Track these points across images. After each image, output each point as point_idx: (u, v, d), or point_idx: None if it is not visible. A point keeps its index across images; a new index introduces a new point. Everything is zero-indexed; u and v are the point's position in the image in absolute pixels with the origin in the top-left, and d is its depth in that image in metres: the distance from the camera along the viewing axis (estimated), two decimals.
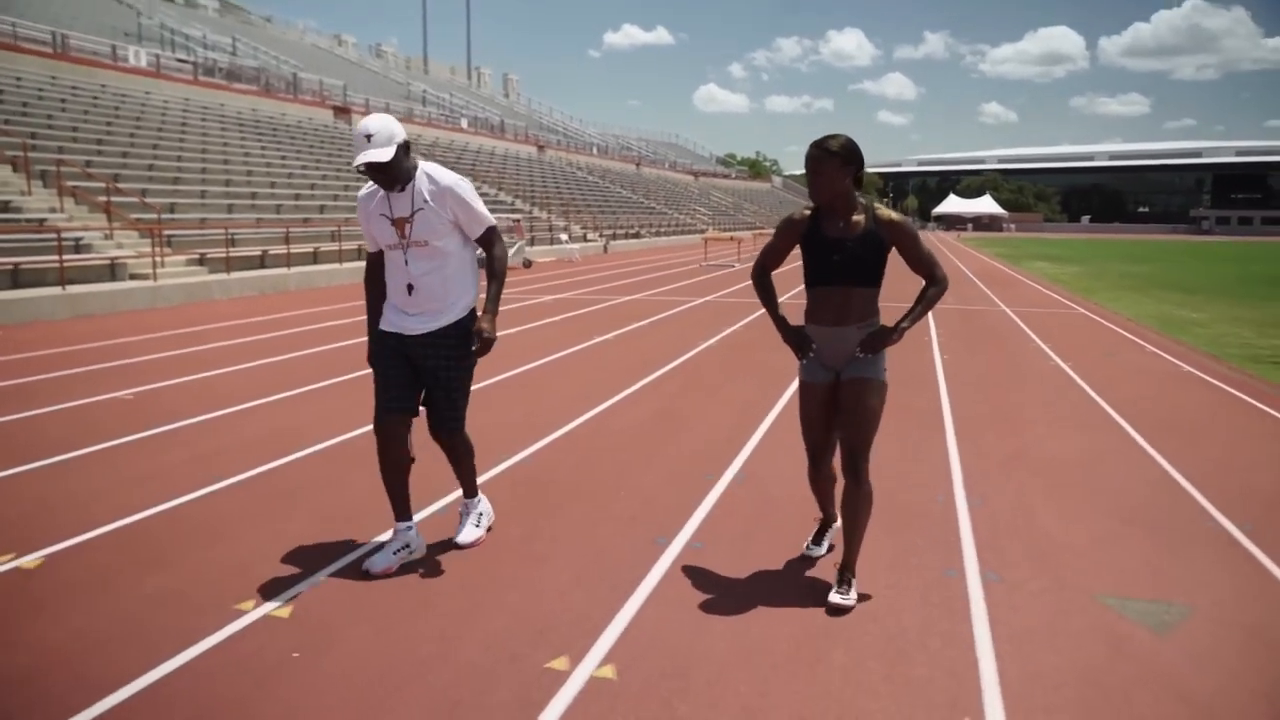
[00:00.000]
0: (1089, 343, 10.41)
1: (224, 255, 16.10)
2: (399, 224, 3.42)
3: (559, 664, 2.76)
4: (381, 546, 3.60)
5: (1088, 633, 3.03)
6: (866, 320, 3.22)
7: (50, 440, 5.34)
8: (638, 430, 5.82)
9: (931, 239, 43.41)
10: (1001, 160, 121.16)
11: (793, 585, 3.42)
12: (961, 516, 4.19)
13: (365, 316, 3.69)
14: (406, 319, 3.49)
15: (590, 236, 33.75)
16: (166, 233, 15.68)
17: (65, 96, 22.02)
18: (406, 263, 3.45)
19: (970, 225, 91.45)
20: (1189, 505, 4.43)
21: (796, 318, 3.41)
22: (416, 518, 3.74)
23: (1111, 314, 13.78)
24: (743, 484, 4.66)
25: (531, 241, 27.12)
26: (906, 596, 3.30)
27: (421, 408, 3.62)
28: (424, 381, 3.55)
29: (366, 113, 32.00)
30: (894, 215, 3.18)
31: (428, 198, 3.41)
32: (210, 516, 4.08)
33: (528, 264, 23.46)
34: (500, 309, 3.64)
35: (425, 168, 3.46)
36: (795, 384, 3.45)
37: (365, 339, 3.67)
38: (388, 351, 3.52)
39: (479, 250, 3.64)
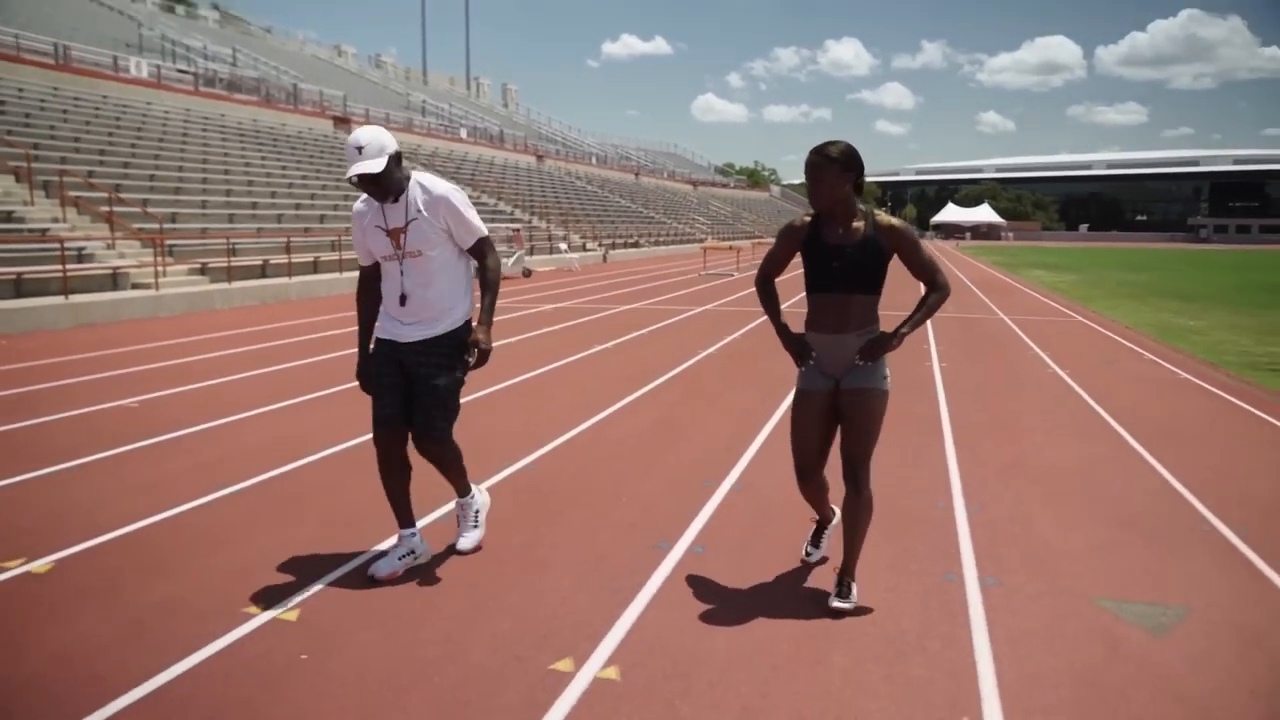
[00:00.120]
0: (1087, 351, 10.47)
1: (225, 265, 16.17)
2: (393, 234, 3.44)
3: (563, 666, 2.80)
4: (386, 552, 3.63)
5: (1085, 635, 3.07)
6: (866, 328, 3.20)
7: (57, 448, 5.38)
8: (638, 438, 5.87)
9: (930, 248, 43.41)
10: (999, 169, 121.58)
11: (793, 589, 3.46)
12: (960, 523, 4.24)
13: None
14: (401, 327, 3.51)
15: (589, 246, 33.85)
16: (168, 242, 15.74)
17: (67, 107, 22.15)
18: (401, 273, 3.47)
19: (968, 234, 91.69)
20: (1186, 511, 4.47)
21: (799, 325, 3.44)
22: (419, 524, 3.77)
23: (1109, 322, 13.84)
24: (742, 491, 4.70)
25: (531, 251, 27.21)
26: (906, 600, 3.34)
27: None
28: (415, 389, 3.52)
29: (367, 123, 32.13)
30: (894, 221, 3.17)
31: (421, 207, 3.41)
32: (215, 523, 4.12)
33: (527, 273, 23.53)
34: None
35: (418, 178, 3.47)
36: (794, 392, 3.42)
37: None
38: (383, 360, 3.53)
39: (474, 262, 3.63)
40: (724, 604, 3.29)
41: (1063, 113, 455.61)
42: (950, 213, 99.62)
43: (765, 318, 3.45)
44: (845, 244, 3.15)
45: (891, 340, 3.19)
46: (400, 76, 61.29)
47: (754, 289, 3.49)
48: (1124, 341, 11.43)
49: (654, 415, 6.57)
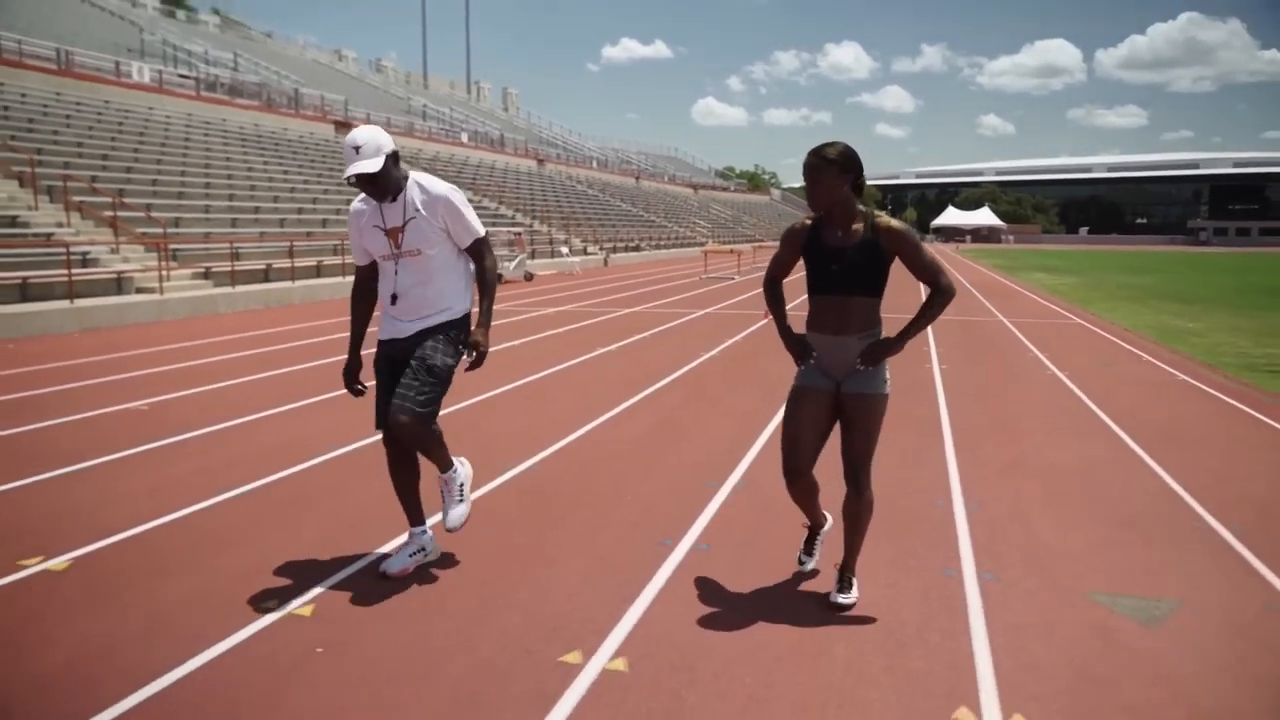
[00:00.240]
0: (1086, 353, 10.55)
1: (229, 269, 16.26)
2: (391, 234, 3.45)
3: (572, 658, 2.88)
4: (397, 550, 3.71)
5: (1080, 627, 3.15)
6: (868, 331, 3.18)
7: (69, 450, 5.46)
8: (640, 440, 5.94)
9: (934, 251, 43.36)
10: (999, 172, 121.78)
11: (795, 585, 3.53)
12: (960, 521, 4.31)
13: (371, 329, 3.68)
14: (399, 324, 3.53)
15: (590, 250, 33.94)
16: (172, 247, 15.84)
17: (70, 112, 22.25)
18: (396, 272, 3.49)
19: (969, 237, 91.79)
20: (1183, 510, 4.55)
21: (803, 326, 3.48)
22: (429, 522, 3.85)
23: (1109, 324, 13.92)
24: (744, 490, 4.78)
25: (532, 255, 27.30)
26: (906, 595, 3.42)
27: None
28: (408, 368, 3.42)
29: None
30: (893, 223, 3.13)
31: (419, 207, 3.42)
32: (227, 522, 4.20)
33: (529, 277, 23.62)
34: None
35: (416, 177, 3.49)
36: (791, 389, 3.36)
37: (371, 352, 3.62)
38: (385, 361, 3.56)
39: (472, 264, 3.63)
40: (728, 599, 3.37)
41: (1063, 116, 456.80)
42: (950, 216, 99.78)
43: (767, 320, 3.50)
44: (844, 246, 3.13)
45: (892, 346, 3.15)
46: (401, 81, 61.44)
47: (756, 292, 3.54)
48: (1123, 344, 11.51)
49: (656, 417, 6.65)
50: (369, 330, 3.68)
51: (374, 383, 3.62)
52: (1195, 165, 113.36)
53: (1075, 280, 26.89)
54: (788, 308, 3.47)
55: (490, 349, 3.64)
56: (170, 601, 3.29)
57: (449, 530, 3.67)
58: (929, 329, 11.83)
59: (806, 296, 3.33)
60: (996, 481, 5.00)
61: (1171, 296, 20.46)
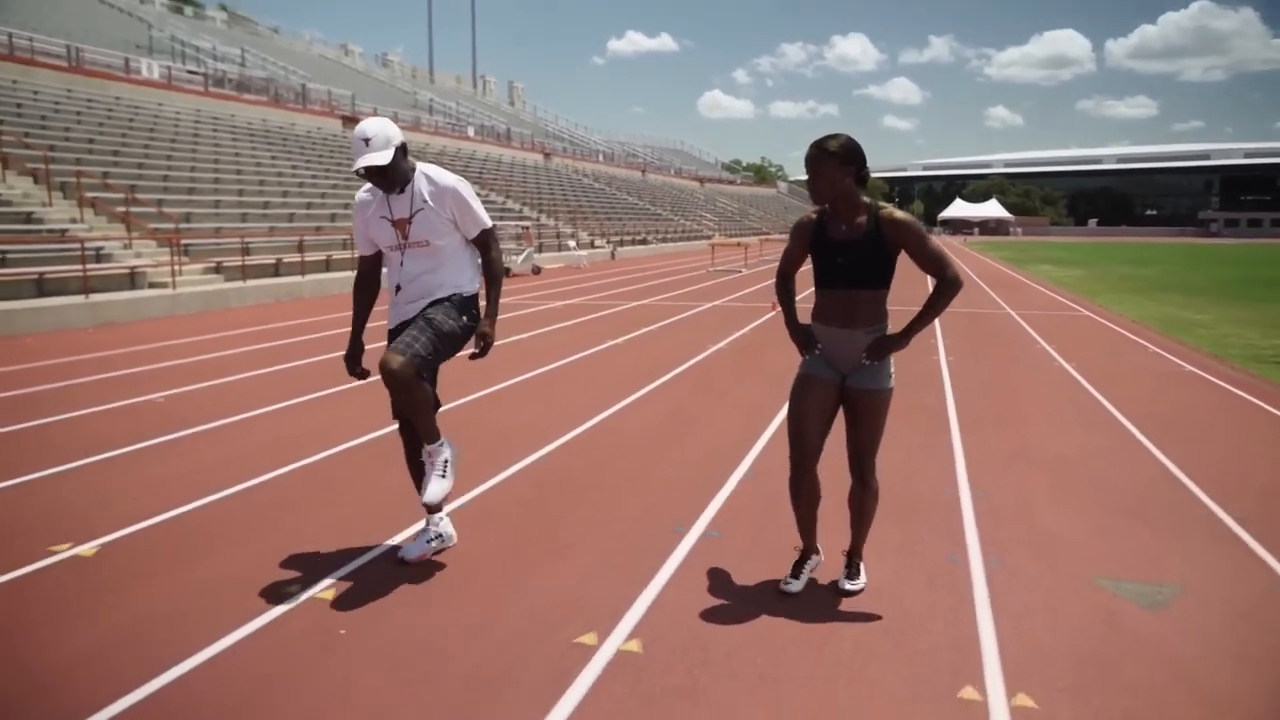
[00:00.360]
0: (1092, 344, 10.58)
1: (239, 264, 16.39)
2: (399, 225, 3.49)
3: (588, 639, 2.96)
4: (415, 536, 3.80)
5: (1084, 611, 3.22)
6: (874, 324, 3.17)
7: (91, 440, 5.57)
8: (650, 431, 6.03)
9: (940, 243, 43.30)
10: (1008, 164, 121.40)
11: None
12: (965, 508, 4.38)
13: (381, 323, 3.71)
14: (406, 308, 3.57)
15: (598, 243, 34.01)
16: (183, 242, 15.97)
17: (81, 109, 22.41)
18: (402, 263, 3.53)
19: (976, 230, 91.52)
20: (1186, 498, 4.61)
21: (809, 317, 3.53)
22: (446, 509, 3.93)
23: (1115, 316, 13.94)
24: (754, 479, 4.86)
25: (540, 248, 27.37)
26: (912, 580, 3.49)
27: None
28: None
29: None
30: (897, 214, 3.09)
31: (427, 198, 3.44)
32: (249, 509, 4.30)
33: (537, 270, 23.71)
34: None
35: (424, 169, 3.52)
36: (795, 378, 3.36)
37: (383, 344, 3.60)
38: None
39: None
40: (739, 584, 3.45)
41: (1072, 107, 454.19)
42: (958, 208, 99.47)
43: (775, 313, 3.54)
44: (848, 239, 3.11)
45: (898, 341, 3.14)
46: (407, 75, 61.53)
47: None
48: (1129, 335, 11.54)
49: (666, 409, 6.73)
50: (378, 324, 3.75)
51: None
52: (1206, 156, 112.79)
53: (1083, 272, 26.85)
54: (799, 297, 3.47)
55: (498, 341, 3.68)
56: (195, 585, 3.39)
57: (426, 504, 3.55)
58: (936, 321, 11.89)
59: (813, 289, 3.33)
60: (1002, 470, 5.07)
61: (1178, 288, 20.43)
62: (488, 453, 5.30)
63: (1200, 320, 13.47)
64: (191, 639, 2.94)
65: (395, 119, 38.67)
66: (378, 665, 2.81)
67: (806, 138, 3.03)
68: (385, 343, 3.65)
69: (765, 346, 10.06)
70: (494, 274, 3.61)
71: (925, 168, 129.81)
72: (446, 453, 3.53)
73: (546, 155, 50.40)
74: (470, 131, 46.16)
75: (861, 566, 3.45)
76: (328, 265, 18.73)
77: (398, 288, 3.56)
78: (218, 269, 16.29)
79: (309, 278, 17.51)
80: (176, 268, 14.73)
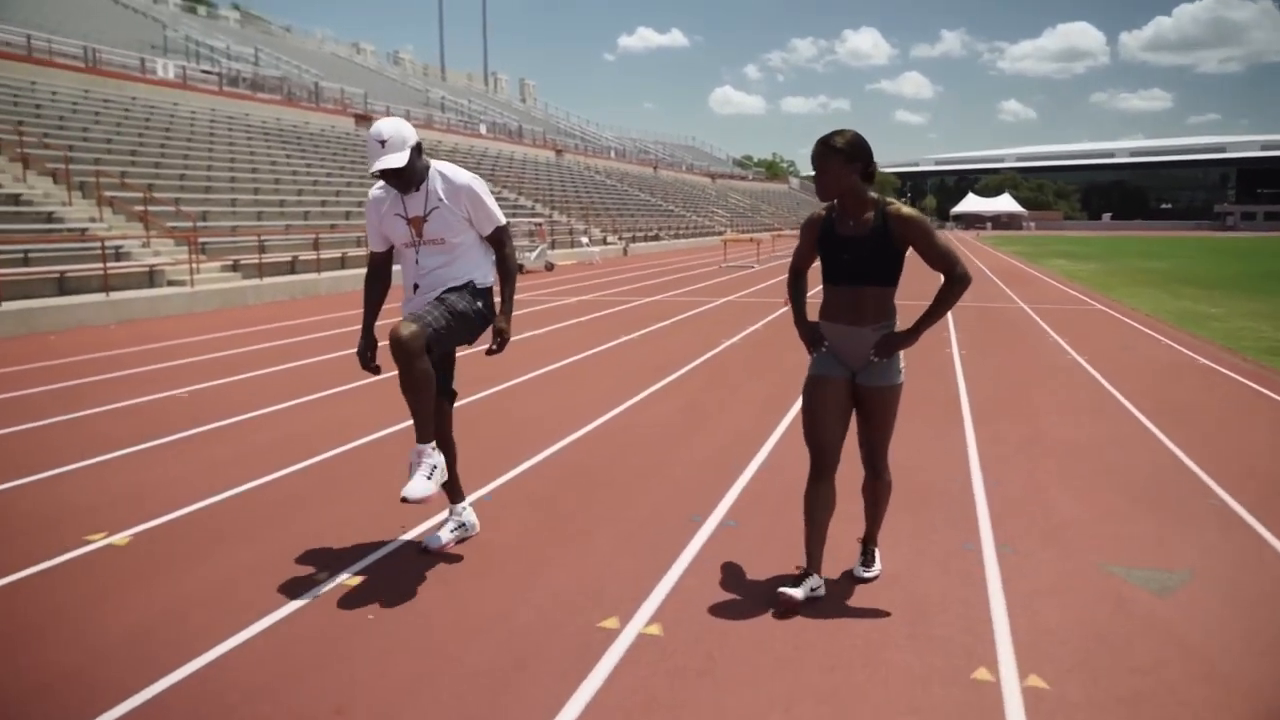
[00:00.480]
0: (1105, 337, 10.60)
1: (256, 261, 16.56)
2: (414, 222, 3.53)
3: (610, 623, 3.05)
4: (439, 526, 3.89)
5: (1094, 595, 3.29)
6: (882, 322, 3.16)
7: (121, 434, 5.70)
8: (665, 424, 6.11)
9: (950, 238, 43.23)
10: (1021, 158, 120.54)
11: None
12: (978, 496, 4.45)
13: (394, 320, 3.68)
14: (420, 299, 3.60)
15: (610, 239, 34.10)
16: (200, 240, 16.15)
17: (98, 109, 22.65)
18: (417, 260, 3.58)
19: (989, 224, 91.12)
20: (1197, 486, 4.66)
21: (818, 314, 3.59)
22: (469, 499, 4.03)
23: (1129, 309, 13.93)
24: (769, 471, 4.93)
25: (553, 245, 27.48)
26: (927, 567, 3.57)
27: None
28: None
29: None
30: (904, 210, 3.07)
31: (442, 196, 3.47)
32: (274, 500, 4.41)
33: (550, 267, 23.82)
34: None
35: (438, 166, 3.55)
36: (806, 379, 3.34)
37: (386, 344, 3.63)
38: None
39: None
40: (757, 571, 3.53)
41: (1085, 100, 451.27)
42: (971, 203, 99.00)
43: (787, 308, 3.59)
44: (856, 236, 3.11)
45: (907, 338, 3.13)
46: (419, 73, 61.76)
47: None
48: (1143, 328, 11.54)
49: (680, 403, 6.81)
50: (390, 321, 3.80)
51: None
52: (1222, 149, 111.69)
53: (1096, 266, 26.75)
54: (810, 294, 3.52)
55: (513, 337, 3.75)
56: (226, 573, 3.50)
57: (404, 499, 3.33)
58: (949, 315, 11.91)
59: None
60: (1014, 459, 5.13)
61: (1192, 281, 20.35)
62: (506, 445, 5.40)
63: (1214, 314, 13.44)
64: (223, 625, 3.04)
65: (408, 117, 38.84)
66: (408, 647, 2.90)
67: (818, 133, 3.08)
68: (362, 339, 3.70)
69: (778, 342, 10.12)
70: (508, 270, 3.67)
71: (938, 162, 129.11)
72: (435, 458, 3.43)
73: (558, 152, 50.50)
74: (482, 129, 46.32)
75: (876, 553, 3.52)
76: (342, 262, 18.89)
77: (415, 286, 3.61)
78: (235, 267, 16.46)
79: (324, 275, 17.68)
80: (194, 266, 14.91)
